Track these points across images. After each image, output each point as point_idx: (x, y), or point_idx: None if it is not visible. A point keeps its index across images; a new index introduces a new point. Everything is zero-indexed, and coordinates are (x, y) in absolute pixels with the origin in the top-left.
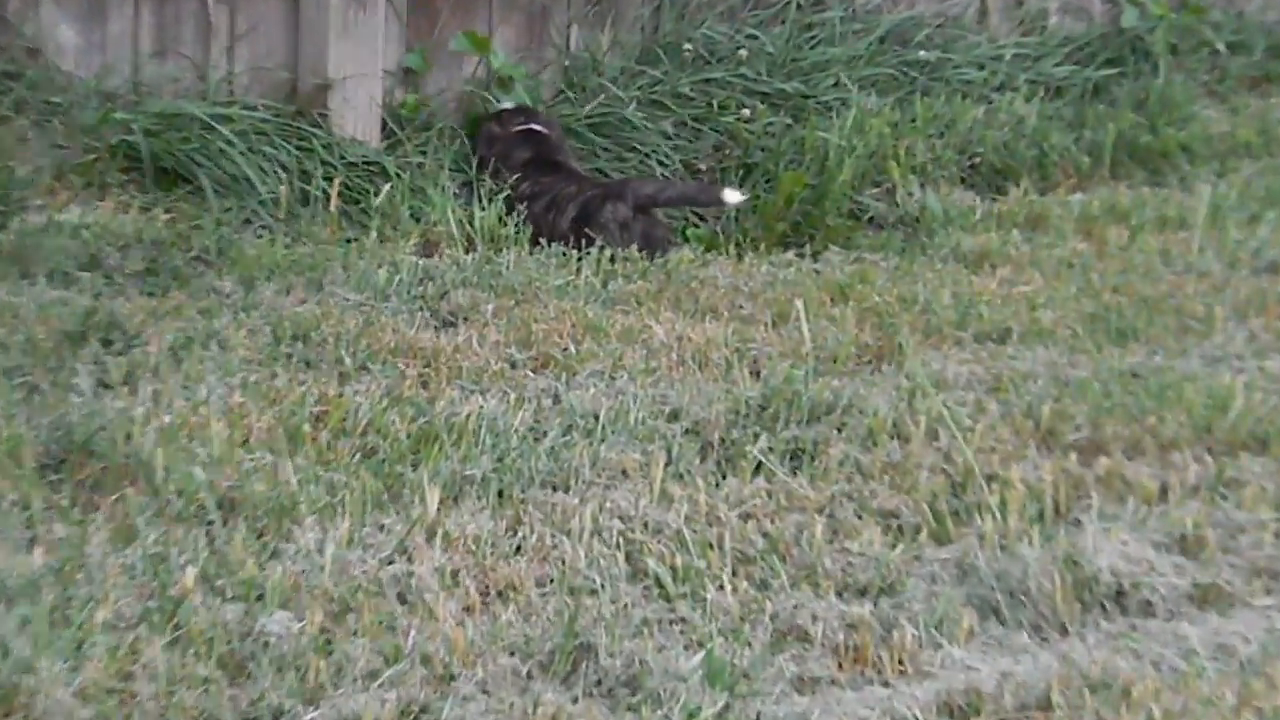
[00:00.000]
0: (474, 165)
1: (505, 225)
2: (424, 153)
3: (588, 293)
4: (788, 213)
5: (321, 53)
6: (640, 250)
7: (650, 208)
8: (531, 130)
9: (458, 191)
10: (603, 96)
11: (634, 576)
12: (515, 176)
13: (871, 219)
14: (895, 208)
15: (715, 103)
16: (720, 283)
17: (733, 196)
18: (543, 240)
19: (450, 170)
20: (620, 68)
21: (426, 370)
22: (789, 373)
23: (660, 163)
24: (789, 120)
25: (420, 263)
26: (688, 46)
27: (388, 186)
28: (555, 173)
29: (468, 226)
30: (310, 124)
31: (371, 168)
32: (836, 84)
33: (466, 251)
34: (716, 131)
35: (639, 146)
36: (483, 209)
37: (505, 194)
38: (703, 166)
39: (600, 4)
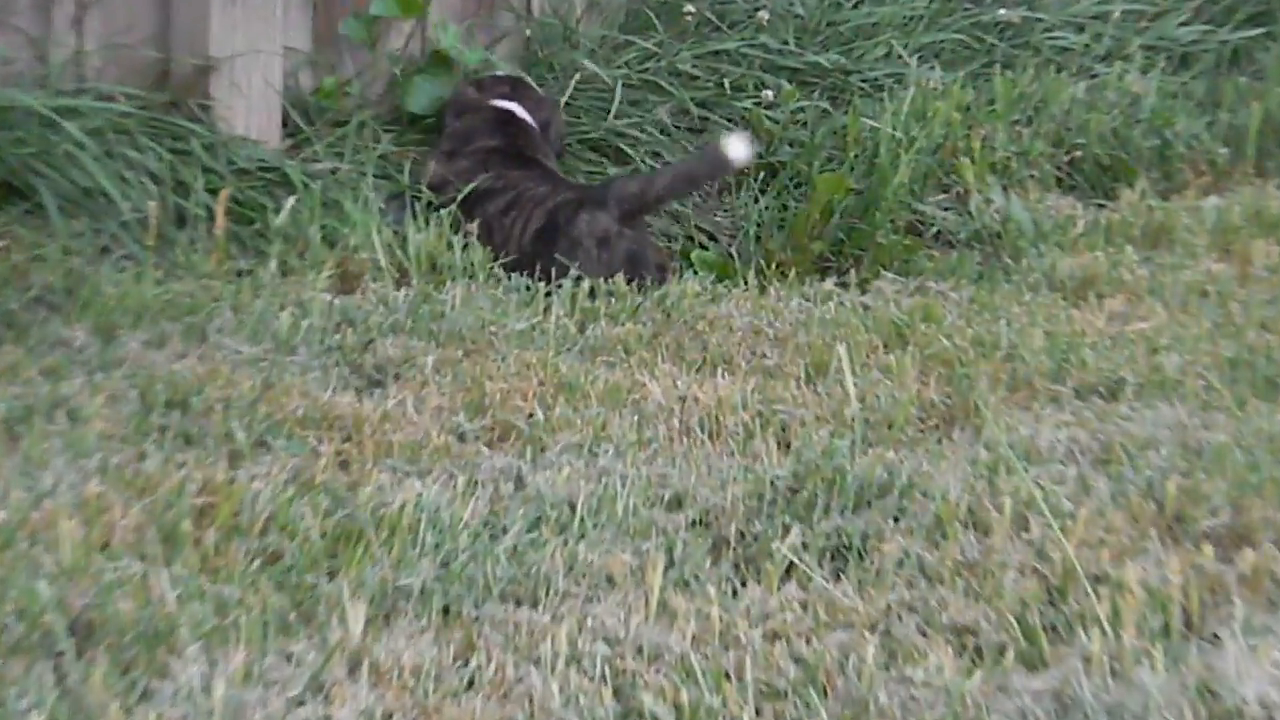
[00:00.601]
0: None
1: (452, 250)
2: (340, 155)
3: (560, 339)
4: (825, 228)
5: (201, 23)
6: (627, 278)
7: (641, 212)
8: (510, 113)
9: (385, 206)
10: (578, 77)
11: (625, 718)
12: (467, 163)
13: (937, 235)
14: (968, 219)
15: (727, 82)
16: (736, 323)
17: (739, 149)
18: (502, 256)
19: (376, 178)
20: (600, 38)
21: (347, 446)
22: (829, 443)
23: (653, 162)
24: (825, 105)
25: (336, 302)
26: (689, 9)
27: (292, 200)
28: (525, 168)
29: (399, 252)
30: (187, 118)
31: (270, 176)
32: (888, 55)
33: (398, 286)
34: (729, 121)
35: (626, 142)
36: (420, 229)
37: (453, 193)
38: None
39: None
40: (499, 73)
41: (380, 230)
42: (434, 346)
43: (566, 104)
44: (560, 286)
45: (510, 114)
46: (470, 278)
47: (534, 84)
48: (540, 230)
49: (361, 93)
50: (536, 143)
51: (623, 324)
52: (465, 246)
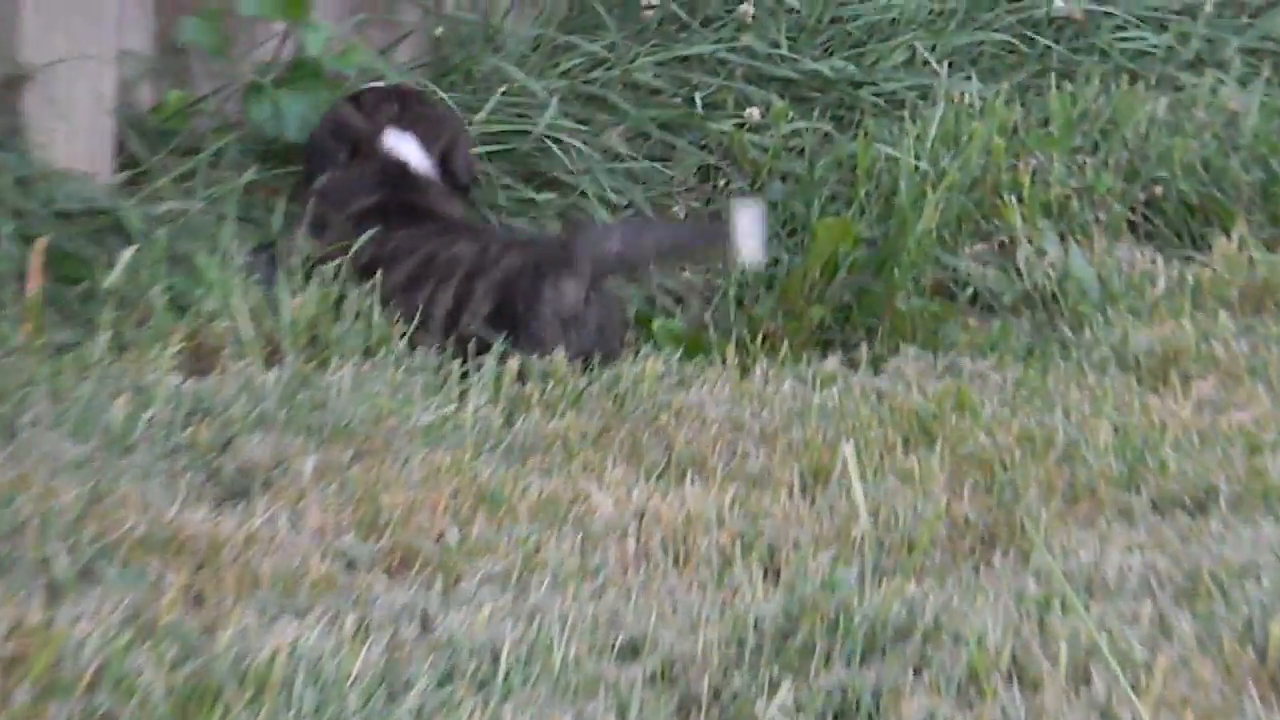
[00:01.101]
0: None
1: (339, 316)
2: (191, 193)
3: (480, 436)
4: (828, 288)
5: (8, 19)
6: (580, 356)
7: (613, 274)
8: (402, 165)
9: (250, 260)
10: (503, 90)
11: None
12: (354, 214)
13: (974, 297)
14: (1014, 277)
15: (699, 98)
16: (711, 414)
17: (751, 242)
18: (411, 339)
19: (240, 222)
20: (532, 39)
21: (200, 577)
22: (831, 572)
23: (603, 202)
24: (828, 126)
25: (186, 387)
26: (650, 1)
27: (129, 253)
28: (417, 223)
29: (269, 321)
30: None
31: (100, 220)
32: (910, 61)
33: (268, 365)
34: (702, 148)
35: (566, 176)
36: (296, 289)
37: (337, 255)
38: (677, 209)
39: None
40: (381, 84)
41: (244, 292)
42: (314, 445)
43: (489, 126)
44: (479, 365)
45: (401, 166)
46: (365, 354)
47: (427, 96)
48: (493, 314)
49: (219, 110)
50: (433, 192)
51: (562, 415)
52: (359, 314)
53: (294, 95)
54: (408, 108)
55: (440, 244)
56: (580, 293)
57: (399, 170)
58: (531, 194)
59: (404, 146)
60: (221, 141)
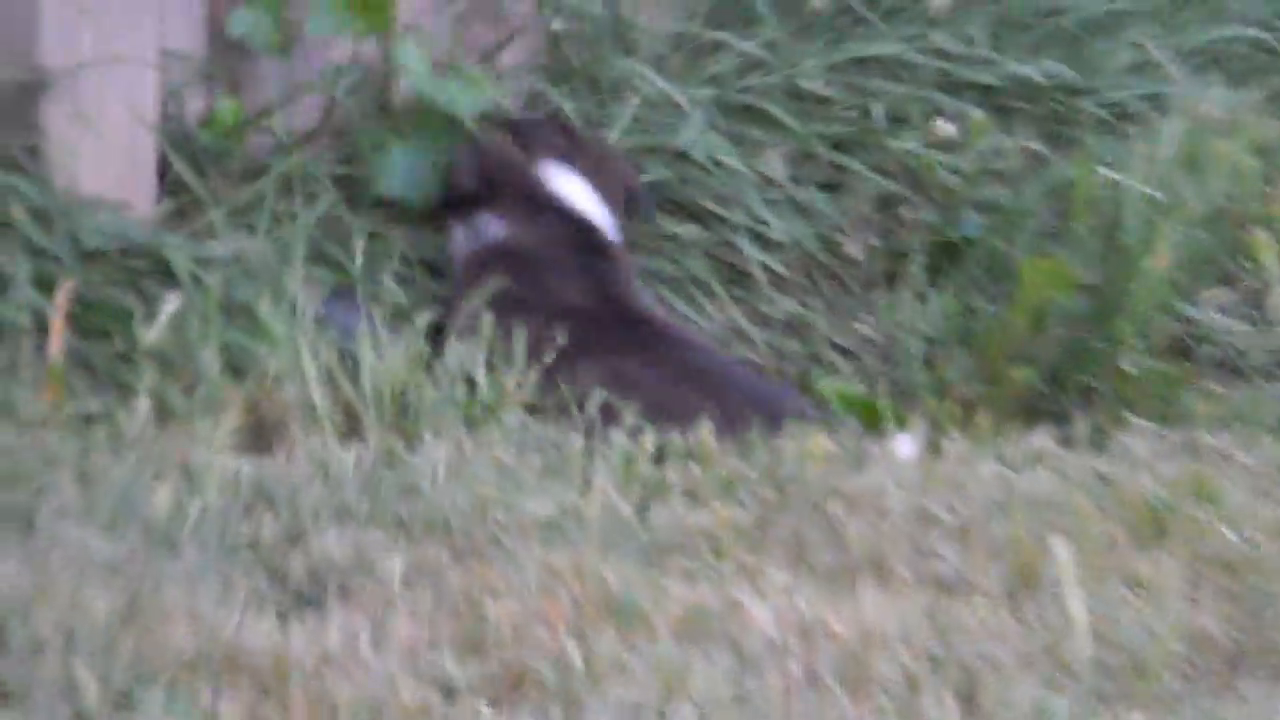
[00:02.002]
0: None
1: (432, 378)
2: (251, 227)
3: (609, 530)
4: (1036, 345)
5: (25, 12)
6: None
7: None
8: (591, 227)
9: (324, 310)
10: (637, 101)
11: None
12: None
13: (1217, 357)
14: (1268, 331)
15: (878, 110)
16: (892, 503)
17: (904, 444)
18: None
19: (310, 263)
20: (673, 37)
21: (263, 706)
22: (1042, 702)
23: (757, 239)
24: (1038, 144)
25: (245, 469)
26: None
27: (174, 301)
28: (641, 350)
29: (346, 386)
30: (2, 166)
31: (138, 262)
32: (1140, 64)
33: (345, 441)
34: (881, 172)
35: (714, 205)
36: (381, 345)
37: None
38: (854, 251)
39: None
40: (530, 115)
41: (316, 349)
42: (403, 542)
43: (620, 143)
44: (606, 438)
45: (591, 229)
46: (466, 427)
47: (600, 142)
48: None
49: (285, 125)
50: (627, 274)
51: (709, 505)
52: (459, 376)
53: (407, 144)
54: (572, 140)
55: (666, 390)
56: None
57: (592, 236)
58: (673, 228)
59: (586, 201)
60: (289, 163)
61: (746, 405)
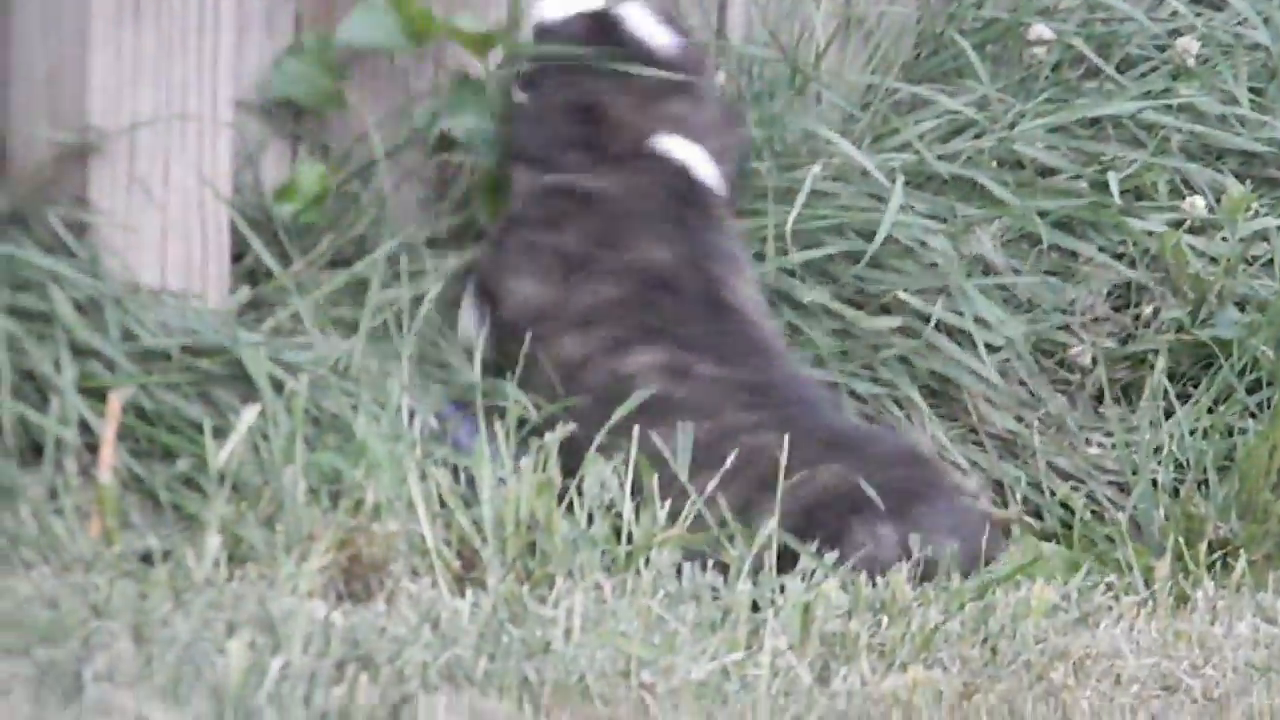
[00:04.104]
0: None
1: (570, 511)
2: (346, 322)
3: (782, 697)
4: None
5: (73, 62)
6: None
7: None
8: (689, 177)
9: (438, 424)
10: (817, 168)
11: None
12: (606, 310)
13: None
14: None
15: (1113, 181)
16: (1129, 667)
17: None
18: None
19: (420, 363)
20: (863, 90)
21: None
22: None
23: (963, 337)
24: None
25: (338, 619)
26: (1041, 35)
27: (251, 413)
28: (718, 341)
29: (462, 519)
30: (43, 247)
31: (207, 363)
32: None
33: (460, 586)
34: (1118, 256)
35: (912, 296)
36: (507, 469)
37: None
38: (1083, 355)
39: None
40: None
41: (424, 474)
42: (531, 711)
43: (799, 218)
44: (778, 589)
45: (689, 179)
46: (607, 571)
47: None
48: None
49: (388, 194)
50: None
51: (904, 667)
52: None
53: None
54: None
55: (736, 409)
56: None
57: (689, 189)
58: (862, 320)
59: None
60: (394, 241)
61: (821, 438)
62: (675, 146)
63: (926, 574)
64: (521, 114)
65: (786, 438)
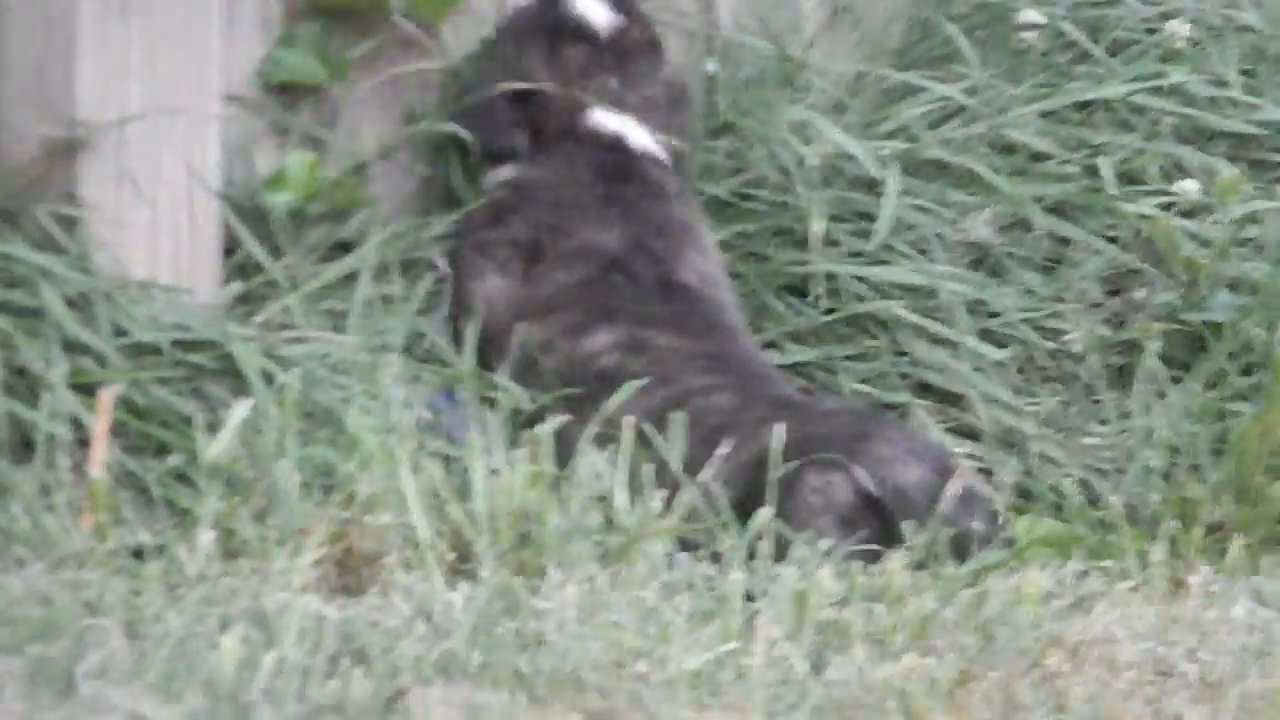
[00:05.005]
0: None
1: (560, 500)
2: (337, 315)
3: (777, 687)
4: None
5: (60, 55)
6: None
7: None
8: (627, 151)
9: (430, 414)
10: (812, 158)
11: None
12: (567, 291)
13: None
14: None
15: (1105, 166)
16: (1124, 653)
17: None
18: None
19: (411, 356)
20: (853, 78)
21: None
22: None
23: (990, 337)
24: None
25: (331, 612)
26: (1031, 18)
27: (243, 408)
28: (673, 320)
29: (454, 509)
30: (31, 243)
31: (198, 357)
32: None
33: (453, 577)
34: (1110, 240)
35: (912, 278)
36: (497, 460)
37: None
38: (1071, 331)
39: None
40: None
41: (417, 466)
42: (525, 702)
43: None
44: (774, 573)
45: (627, 153)
46: (601, 561)
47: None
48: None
49: (386, 189)
50: (674, 211)
51: (899, 654)
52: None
53: None
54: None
55: (691, 373)
56: (849, 495)
57: (630, 165)
58: (853, 308)
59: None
60: (384, 234)
61: (772, 401)
62: (607, 120)
63: (897, 505)
64: (469, 108)
65: (739, 398)
